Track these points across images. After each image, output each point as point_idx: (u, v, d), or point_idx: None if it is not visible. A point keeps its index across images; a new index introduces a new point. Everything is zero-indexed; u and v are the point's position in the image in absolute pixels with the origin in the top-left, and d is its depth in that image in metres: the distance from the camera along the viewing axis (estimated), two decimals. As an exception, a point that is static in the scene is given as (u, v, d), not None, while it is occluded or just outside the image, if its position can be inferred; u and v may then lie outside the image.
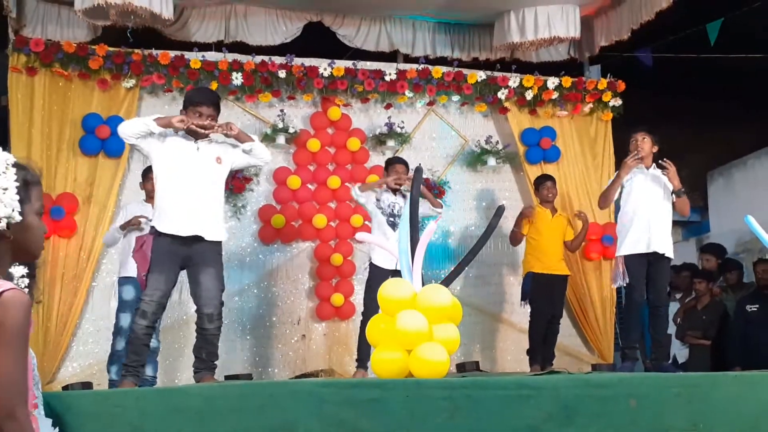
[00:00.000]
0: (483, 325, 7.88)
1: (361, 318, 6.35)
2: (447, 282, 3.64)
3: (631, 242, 5.90)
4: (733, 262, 8.70)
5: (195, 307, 4.92)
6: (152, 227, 4.77)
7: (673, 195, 6.00)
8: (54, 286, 6.64)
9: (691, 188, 11.76)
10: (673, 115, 11.45)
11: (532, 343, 7.02)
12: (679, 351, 8.30)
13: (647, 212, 5.87)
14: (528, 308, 7.18)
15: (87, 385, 6.26)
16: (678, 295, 8.70)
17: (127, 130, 4.80)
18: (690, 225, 12.50)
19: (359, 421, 3.15)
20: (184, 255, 4.64)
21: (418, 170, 3.72)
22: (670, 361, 7.04)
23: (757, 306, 7.64)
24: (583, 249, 7.83)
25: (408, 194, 6.39)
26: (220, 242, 4.81)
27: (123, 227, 6.11)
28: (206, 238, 4.65)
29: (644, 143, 5.98)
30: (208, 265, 4.64)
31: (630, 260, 5.88)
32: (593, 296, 7.93)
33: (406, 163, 6.62)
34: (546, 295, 7.02)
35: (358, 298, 7.44)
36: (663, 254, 5.87)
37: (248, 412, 3.07)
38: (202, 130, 4.68)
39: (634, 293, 5.93)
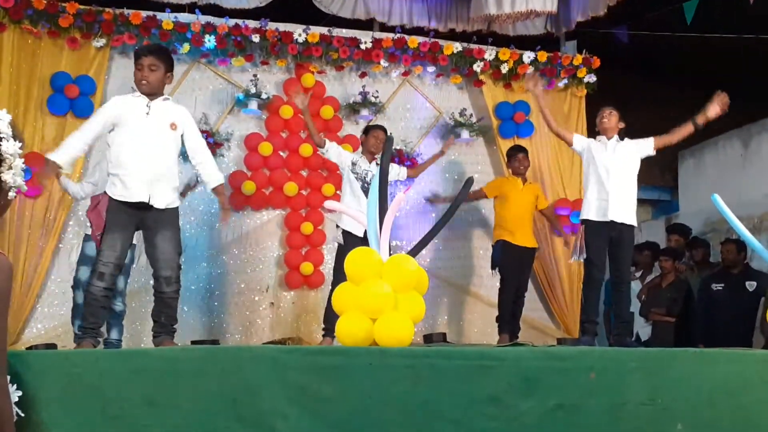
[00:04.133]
0: (451, 296, 7.92)
1: (330, 287, 6.37)
2: (414, 252, 3.64)
3: (591, 209, 5.98)
4: (700, 240, 8.78)
5: (152, 270, 4.87)
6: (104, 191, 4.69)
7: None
8: (19, 246, 6.56)
9: (661, 168, 11.91)
10: (647, 93, 11.51)
11: (501, 311, 7.05)
12: (642, 329, 8.38)
13: (606, 182, 5.95)
14: (497, 279, 7.22)
15: (51, 347, 6.20)
16: (638, 274, 8.77)
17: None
18: (660, 204, 12.63)
19: (322, 387, 3.16)
20: (138, 218, 4.59)
21: (389, 140, 3.70)
22: (633, 338, 7.12)
23: (722, 285, 7.73)
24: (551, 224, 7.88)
25: None
26: (176, 208, 4.74)
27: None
28: (157, 206, 4.60)
29: (611, 117, 6.05)
30: (164, 228, 4.58)
31: (590, 231, 5.94)
32: (561, 271, 7.99)
33: (385, 131, 6.59)
34: (514, 265, 7.05)
35: (327, 267, 7.44)
36: (624, 223, 5.92)
37: (210, 375, 3.06)
38: None
39: (592, 269, 5.98)
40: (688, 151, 10.94)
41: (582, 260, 6.03)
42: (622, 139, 6.14)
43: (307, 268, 7.41)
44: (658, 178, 12.16)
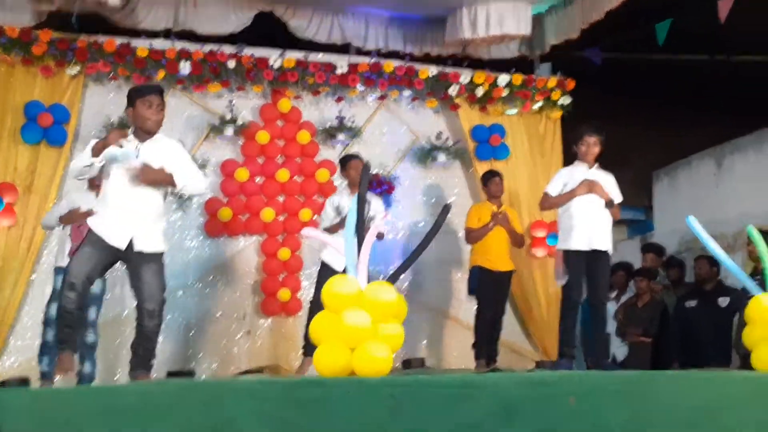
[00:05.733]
0: (430, 321, 7.89)
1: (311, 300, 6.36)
2: (393, 279, 3.61)
3: (572, 240, 5.93)
4: (675, 260, 8.83)
5: (135, 302, 4.78)
6: (90, 217, 4.61)
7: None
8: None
9: (636, 188, 11.99)
10: (622, 113, 11.61)
11: (477, 337, 7.02)
12: (618, 349, 8.39)
13: (588, 211, 5.89)
14: (472, 300, 7.20)
15: (24, 381, 6.13)
16: (613, 294, 8.79)
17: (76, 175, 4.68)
18: (635, 224, 12.71)
19: (301, 419, 3.11)
20: (119, 255, 4.54)
21: (366, 167, 3.69)
22: (609, 359, 7.12)
23: (696, 302, 7.77)
24: (529, 246, 7.90)
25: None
26: (156, 253, 4.67)
27: (62, 220, 5.93)
28: (142, 251, 4.55)
29: (595, 146, 5.98)
30: (149, 263, 4.54)
31: (569, 257, 5.92)
32: (539, 293, 8.00)
33: (361, 159, 6.56)
34: (491, 291, 7.04)
35: (305, 294, 7.40)
36: (600, 250, 5.91)
37: (186, 410, 3.00)
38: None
39: (571, 292, 5.95)
40: (663, 170, 11.03)
41: (564, 283, 6.00)
42: (600, 165, 6.09)
43: (284, 294, 7.36)
44: (633, 198, 12.22)
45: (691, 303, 7.79)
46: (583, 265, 5.88)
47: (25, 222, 6.66)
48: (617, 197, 6.05)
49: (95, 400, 2.96)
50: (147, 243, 4.57)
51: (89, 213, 4.85)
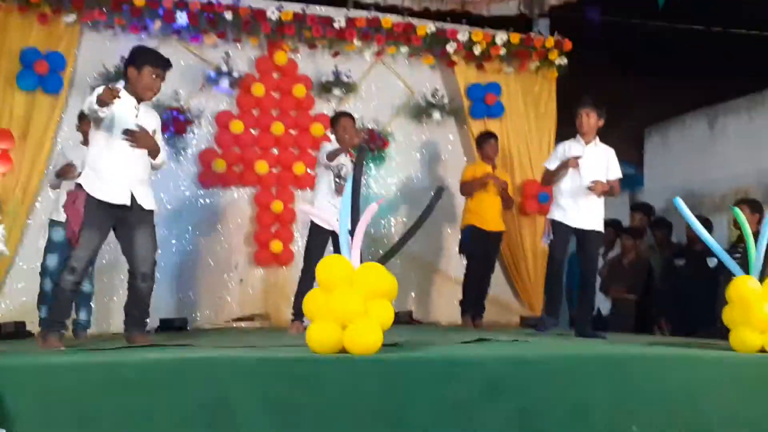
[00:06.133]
0: (418, 274, 8.02)
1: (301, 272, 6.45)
2: (384, 260, 3.71)
3: (560, 213, 6.00)
4: (663, 221, 8.94)
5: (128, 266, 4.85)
6: (80, 184, 4.61)
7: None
8: (-13, 222, 6.53)
9: (627, 143, 12.04)
10: (615, 68, 11.60)
11: (464, 295, 7.18)
12: (603, 304, 8.58)
13: (579, 188, 5.93)
14: (464, 258, 7.33)
15: (20, 324, 6.27)
16: (600, 250, 8.93)
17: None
18: (624, 178, 12.77)
19: (294, 396, 3.25)
20: (116, 217, 4.58)
21: (362, 149, 3.73)
22: (594, 312, 7.26)
23: (684, 261, 7.89)
24: (519, 205, 8.01)
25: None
26: (152, 210, 4.73)
27: (58, 174, 5.97)
28: (143, 207, 4.60)
29: (589, 118, 6.00)
30: (141, 226, 4.59)
31: (556, 225, 6.00)
32: (526, 250, 8.15)
33: (351, 117, 6.58)
34: (482, 250, 7.17)
35: (297, 246, 7.51)
36: (591, 230, 5.97)
37: (185, 386, 3.12)
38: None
39: (555, 251, 6.03)
40: (655, 127, 11.08)
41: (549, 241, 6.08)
42: (600, 140, 6.10)
43: (276, 246, 7.47)
44: (624, 153, 12.28)
45: (680, 262, 7.90)
46: (569, 233, 5.97)
47: (21, 168, 6.68)
48: (616, 172, 6.08)
49: (98, 375, 3.07)
50: (145, 200, 4.63)
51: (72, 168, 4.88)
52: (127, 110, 4.58)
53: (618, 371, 3.82)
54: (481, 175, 7.09)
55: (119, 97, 4.37)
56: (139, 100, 4.69)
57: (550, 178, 6.11)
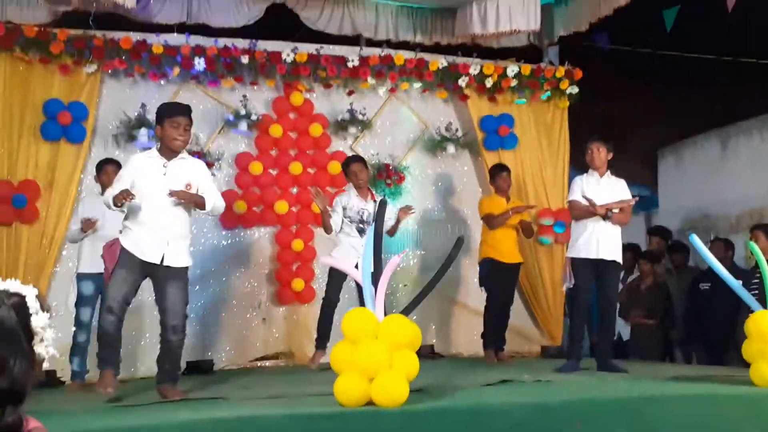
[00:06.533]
0: (438, 307, 8.07)
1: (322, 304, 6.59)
2: (407, 311, 3.82)
3: (580, 247, 6.07)
4: (680, 245, 8.99)
5: (150, 297, 5.05)
6: (120, 232, 4.83)
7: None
8: (16, 273, 6.62)
9: (641, 165, 12.12)
10: (628, 89, 11.71)
11: (486, 328, 7.26)
12: (623, 329, 8.61)
13: (597, 222, 6.01)
14: (484, 291, 7.41)
15: (51, 373, 6.39)
16: (620, 275, 8.98)
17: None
18: (640, 200, 12.81)
19: (324, 451, 3.36)
20: (148, 271, 4.74)
21: (383, 202, 3.84)
22: (615, 337, 7.30)
23: (709, 284, 7.91)
24: (536, 234, 8.08)
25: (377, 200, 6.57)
26: (185, 267, 4.87)
27: (83, 229, 6.11)
28: (171, 265, 4.74)
29: (599, 152, 6.11)
30: (172, 281, 4.74)
31: (577, 263, 6.08)
32: (545, 280, 8.21)
33: (362, 160, 6.77)
34: (501, 283, 7.25)
35: (318, 283, 7.61)
36: (610, 260, 6.05)
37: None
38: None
39: (578, 295, 6.13)
40: (668, 149, 11.14)
41: (571, 286, 6.17)
42: (612, 172, 6.18)
43: (298, 284, 7.58)
44: (638, 174, 12.37)
45: (705, 285, 7.91)
46: (591, 270, 6.03)
47: (47, 218, 6.82)
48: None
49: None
50: (177, 258, 4.78)
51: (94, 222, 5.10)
52: (153, 170, 4.74)
53: (640, 414, 3.91)
54: (505, 209, 7.17)
55: (133, 197, 4.62)
56: (171, 155, 4.85)
57: (580, 213, 6.13)
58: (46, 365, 1.92)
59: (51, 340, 1.92)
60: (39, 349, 1.90)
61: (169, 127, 4.81)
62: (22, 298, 1.87)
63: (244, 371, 6.89)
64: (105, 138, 7.15)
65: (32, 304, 1.92)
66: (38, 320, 1.91)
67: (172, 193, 4.69)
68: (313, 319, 7.00)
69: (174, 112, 4.88)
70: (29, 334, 1.86)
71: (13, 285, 1.90)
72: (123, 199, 4.55)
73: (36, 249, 6.79)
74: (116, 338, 4.75)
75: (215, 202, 4.93)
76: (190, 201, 4.80)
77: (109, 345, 4.73)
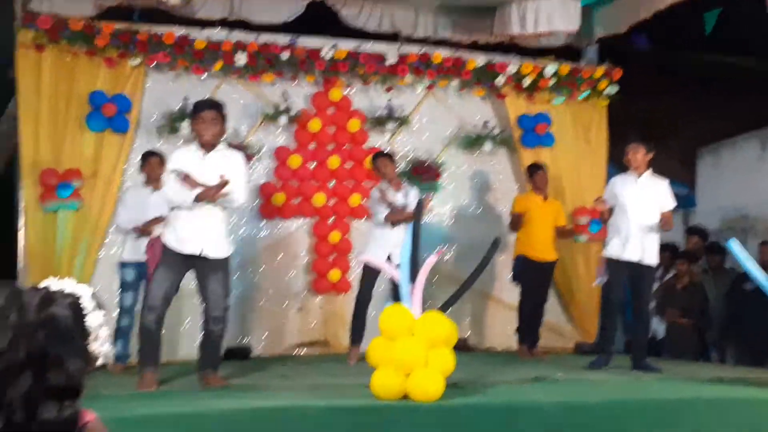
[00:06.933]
0: (473, 300, 8.13)
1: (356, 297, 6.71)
2: (444, 308, 3.89)
3: (615, 248, 6.11)
4: (717, 245, 8.95)
5: (191, 284, 5.20)
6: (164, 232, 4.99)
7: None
8: (61, 259, 6.83)
9: (681, 163, 12.04)
10: (668, 88, 11.61)
11: (521, 323, 7.33)
12: (657, 327, 8.59)
13: (633, 223, 6.04)
14: (517, 286, 7.46)
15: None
16: (657, 273, 8.95)
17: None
18: (677, 198, 12.74)
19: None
20: (191, 262, 4.88)
21: (420, 203, 3.91)
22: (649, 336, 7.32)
23: (755, 286, 7.86)
24: (572, 232, 8.10)
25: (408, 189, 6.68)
26: (225, 258, 5.00)
27: (141, 230, 6.23)
28: (210, 256, 4.87)
29: (636, 154, 6.14)
30: (213, 273, 4.88)
31: (611, 262, 6.12)
32: (580, 277, 8.23)
33: (388, 156, 6.91)
34: (534, 281, 7.29)
35: (353, 274, 7.71)
36: (645, 264, 6.08)
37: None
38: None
39: (611, 293, 6.18)
40: (707, 149, 11.07)
41: (602, 283, 6.22)
42: (654, 170, 6.22)
43: (334, 275, 7.70)
44: (677, 173, 12.28)
45: (749, 286, 7.88)
46: (624, 270, 6.07)
47: (92, 205, 7.00)
48: (669, 203, 6.20)
49: (178, 427, 3.31)
50: (216, 249, 4.91)
51: (160, 219, 5.23)
52: (192, 163, 4.89)
53: (675, 417, 3.95)
54: (530, 206, 7.23)
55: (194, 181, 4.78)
56: (209, 148, 4.98)
57: (605, 215, 6.20)
58: (101, 361, 2.01)
59: (106, 338, 2.01)
60: (94, 346, 1.98)
61: (195, 123, 5.03)
62: (77, 298, 1.96)
63: (281, 358, 7.03)
64: (148, 129, 7.30)
65: (87, 303, 2.00)
66: (93, 319, 1.99)
67: (198, 199, 4.81)
68: (349, 310, 7.10)
69: (197, 109, 5.10)
70: (85, 333, 1.95)
71: (68, 285, 1.99)
72: (192, 185, 4.70)
73: (80, 236, 6.96)
74: (157, 336, 4.90)
75: (233, 194, 4.97)
76: (214, 198, 4.90)
77: (150, 342, 4.86)
